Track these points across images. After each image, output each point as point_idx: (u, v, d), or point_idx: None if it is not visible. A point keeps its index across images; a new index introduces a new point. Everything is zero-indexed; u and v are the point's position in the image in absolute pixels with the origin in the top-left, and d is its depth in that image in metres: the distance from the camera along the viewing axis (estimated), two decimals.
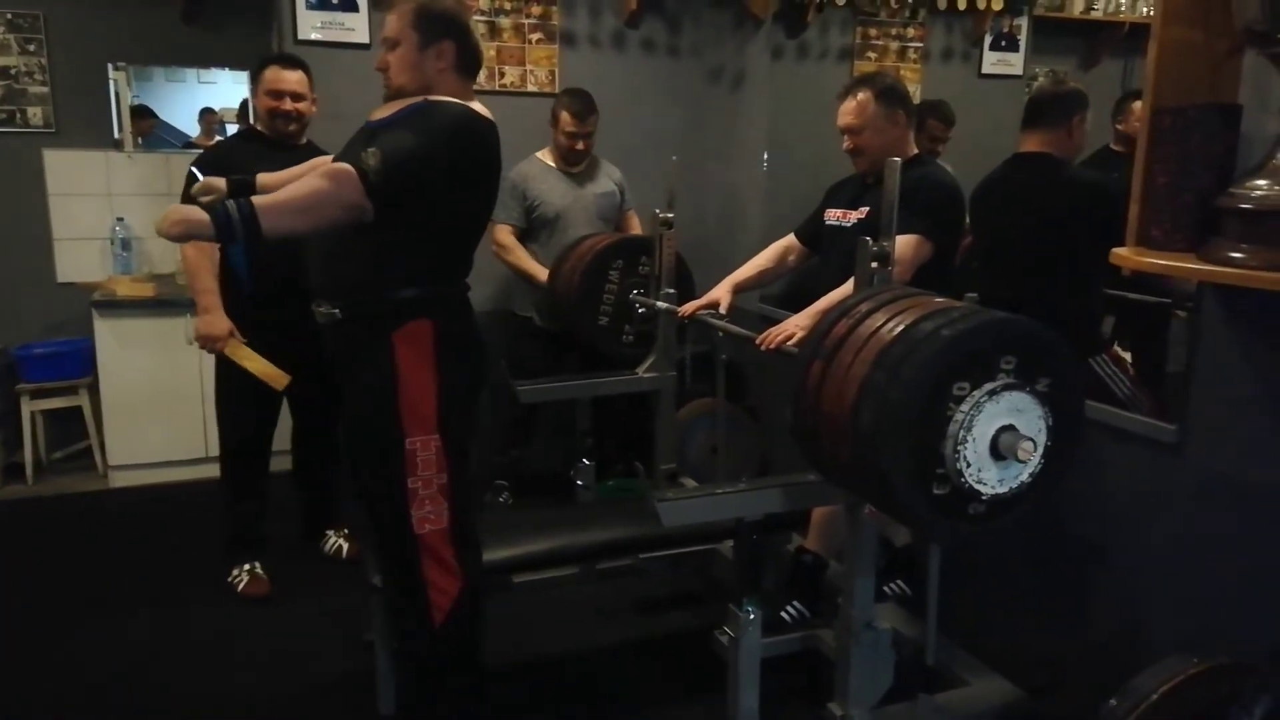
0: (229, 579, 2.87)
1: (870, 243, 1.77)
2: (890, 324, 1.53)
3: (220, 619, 2.72)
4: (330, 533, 3.15)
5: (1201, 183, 1.66)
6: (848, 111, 2.34)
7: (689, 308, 2.52)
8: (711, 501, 1.81)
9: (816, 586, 2.32)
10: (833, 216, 2.48)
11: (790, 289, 3.23)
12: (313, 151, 2.66)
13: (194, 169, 2.52)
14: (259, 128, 2.80)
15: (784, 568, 2.38)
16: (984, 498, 1.49)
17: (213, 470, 3.06)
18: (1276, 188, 1.51)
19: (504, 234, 3.30)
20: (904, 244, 2.08)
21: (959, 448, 1.44)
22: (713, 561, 2.65)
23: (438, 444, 1.90)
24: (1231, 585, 1.85)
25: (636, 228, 3.46)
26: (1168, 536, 1.99)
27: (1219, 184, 1.65)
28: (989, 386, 1.44)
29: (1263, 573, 1.79)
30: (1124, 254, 1.71)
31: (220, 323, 2.70)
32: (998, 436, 1.45)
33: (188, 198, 2.20)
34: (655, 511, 1.75)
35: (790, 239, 2.64)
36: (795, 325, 2.05)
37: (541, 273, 3.25)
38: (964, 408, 1.44)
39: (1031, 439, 1.45)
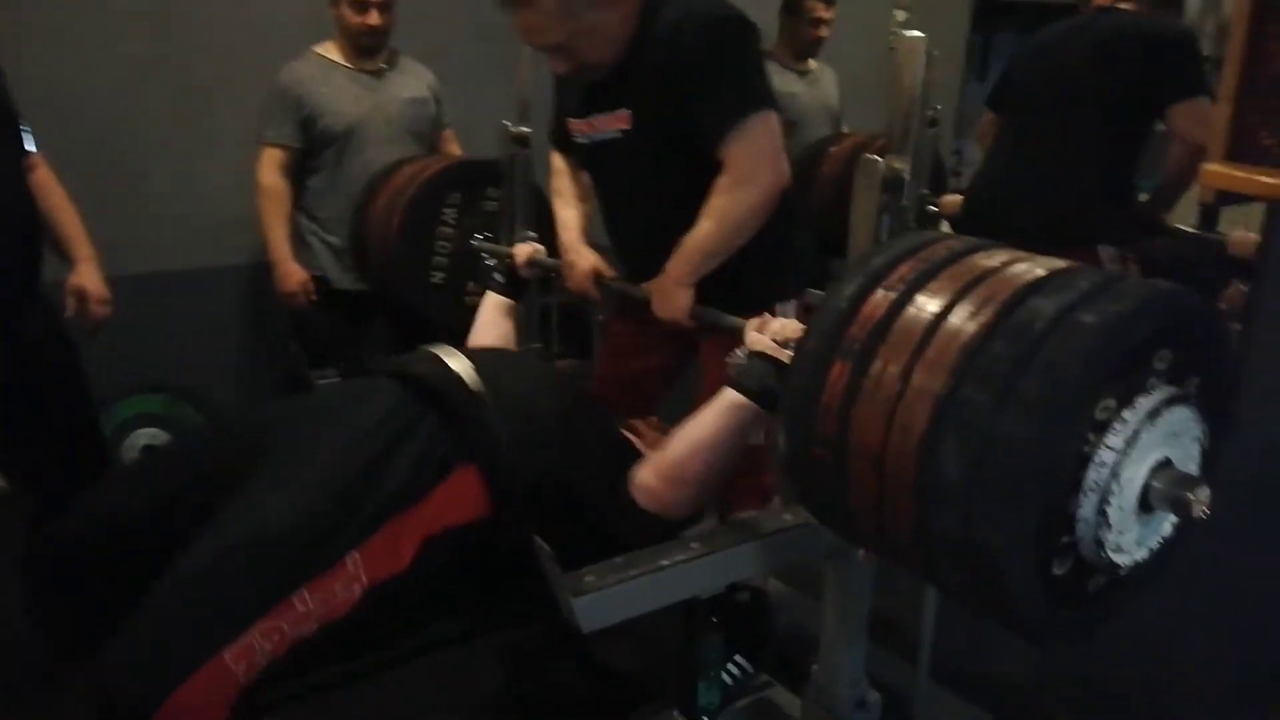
0: None
1: (878, 162, 1.17)
2: (969, 304, 0.93)
3: None
4: None
5: None
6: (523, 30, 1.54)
7: (583, 275, 1.79)
8: (652, 581, 1.17)
9: (758, 630, 1.77)
10: (579, 129, 1.73)
11: None
12: None
13: None
14: None
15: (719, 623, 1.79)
16: (1120, 570, 0.95)
17: None
18: None
19: (269, 162, 2.45)
20: None
21: (1105, 504, 0.88)
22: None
23: None
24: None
25: (456, 153, 2.69)
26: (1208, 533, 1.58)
27: None
28: (1146, 404, 0.89)
29: None
30: (1220, 171, 1.21)
31: None
32: (1151, 480, 0.91)
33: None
34: (571, 613, 1.10)
35: (561, 161, 1.90)
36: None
37: (283, 250, 2.48)
38: (1112, 441, 0.88)
39: (1202, 481, 0.92)
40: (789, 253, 1.64)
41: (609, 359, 1.98)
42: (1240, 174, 1.20)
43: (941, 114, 2.88)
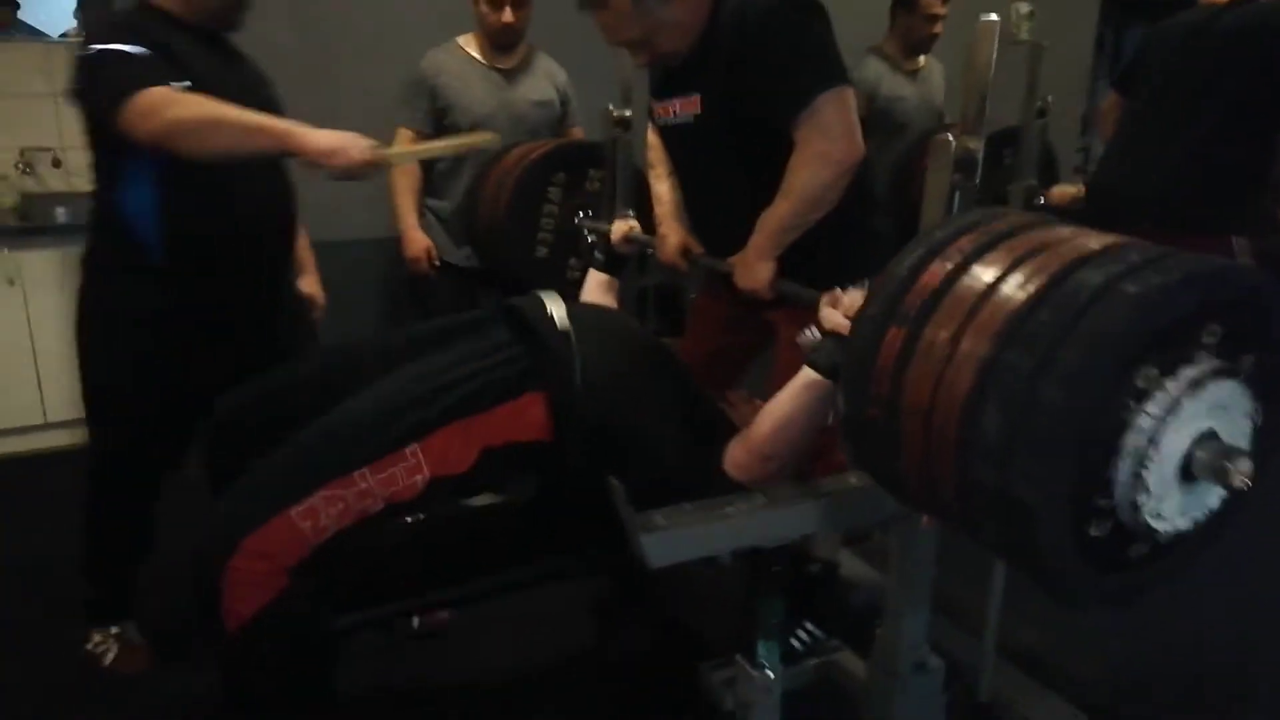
0: (89, 646, 2.01)
1: (950, 140, 1.22)
2: (1020, 274, 0.98)
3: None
4: None
5: None
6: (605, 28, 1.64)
7: (673, 249, 1.89)
8: (717, 528, 1.26)
9: (829, 600, 1.83)
10: (659, 112, 1.80)
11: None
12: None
13: (111, 47, 1.61)
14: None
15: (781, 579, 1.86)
16: (1159, 537, 0.98)
17: (55, 440, 2.32)
18: None
19: (402, 141, 2.62)
20: None
21: (1141, 469, 0.92)
22: None
23: None
24: None
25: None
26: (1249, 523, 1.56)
27: None
28: (1190, 374, 0.92)
29: None
30: None
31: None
32: (1193, 450, 0.94)
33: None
34: (639, 548, 1.20)
35: (655, 138, 1.96)
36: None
37: (409, 219, 2.67)
38: (1152, 409, 0.91)
39: (1246, 453, 0.94)
40: (866, 233, 1.69)
41: (693, 334, 2.07)
42: None
43: (1066, 108, 2.82)
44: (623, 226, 2.01)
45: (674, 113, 1.72)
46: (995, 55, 1.17)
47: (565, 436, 1.42)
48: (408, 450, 1.32)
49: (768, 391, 1.70)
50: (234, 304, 1.83)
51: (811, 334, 1.41)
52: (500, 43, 2.61)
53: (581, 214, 2.34)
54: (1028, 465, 0.91)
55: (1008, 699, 1.74)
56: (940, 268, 1.05)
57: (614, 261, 2.01)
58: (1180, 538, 1.00)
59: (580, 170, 2.35)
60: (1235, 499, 1.01)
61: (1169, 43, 2.32)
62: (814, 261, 1.60)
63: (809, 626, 1.78)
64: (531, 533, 1.66)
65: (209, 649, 1.45)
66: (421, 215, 2.76)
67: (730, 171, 1.70)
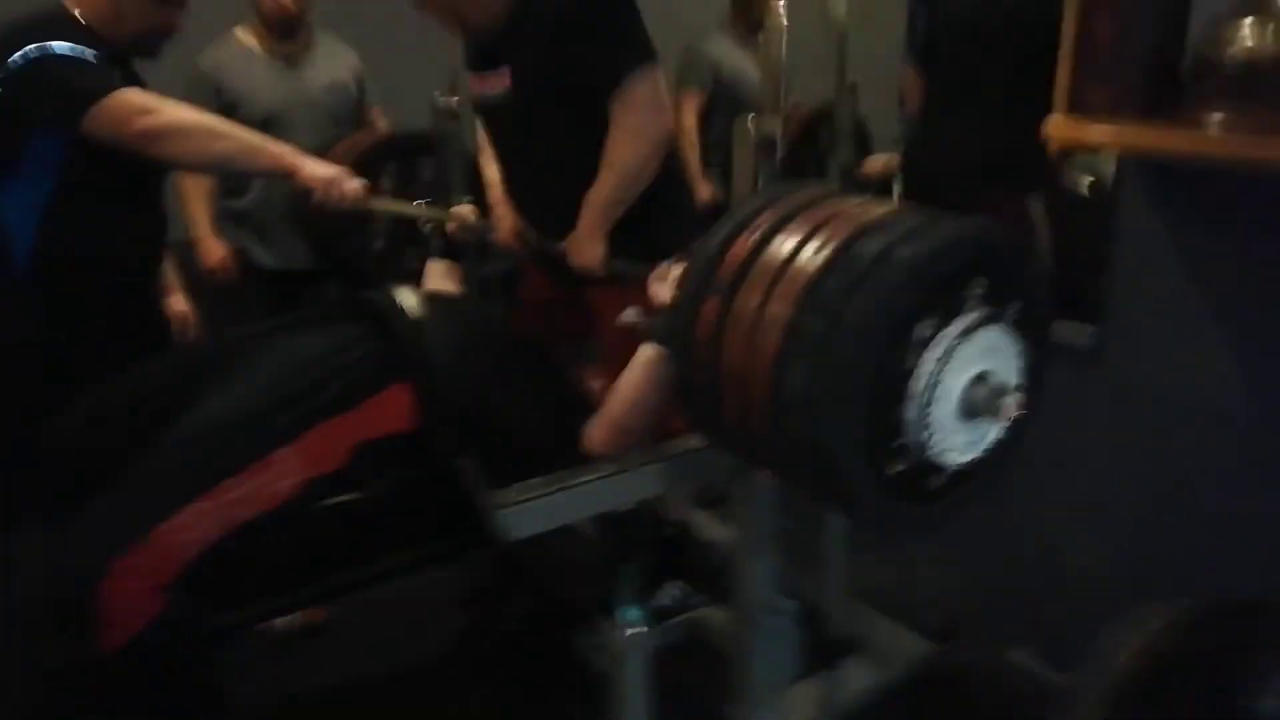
0: None
1: (749, 122, 1.31)
2: (814, 244, 1.08)
3: None
4: None
5: (1154, 34, 1.31)
6: None
7: (508, 231, 1.92)
8: (570, 497, 1.33)
9: (690, 560, 1.93)
10: (474, 85, 1.81)
11: None
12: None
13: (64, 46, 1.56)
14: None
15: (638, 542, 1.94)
16: (950, 470, 1.11)
17: None
18: (1267, 32, 1.18)
19: None
20: None
21: (926, 410, 1.04)
22: None
23: None
24: (1157, 512, 1.64)
25: (384, 128, 2.66)
26: (1081, 455, 1.75)
27: (1172, 35, 1.31)
28: (961, 324, 1.04)
29: (1189, 494, 1.57)
30: (1061, 125, 1.35)
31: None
32: (970, 389, 1.07)
33: None
34: (498, 524, 1.25)
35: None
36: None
37: (204, 227, 2.49)
38: (931, 355, 1.03)
39: (1015, 387, 1.07)
40: (679, 209, 1.77)
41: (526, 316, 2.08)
42: (1088, 130, 1.34)
43: (886, 84, 2.94)
44: (463, 210, 2.03)
45: (488, 88, 1.74)
46: (786, 41, 1.26)
47: (431, 424, 1.45)
48: (276, 455, 1.32)
49: (597, 368, 1.78)
50: (93, 332, 1.74)
51: (635, 313, 1.48)
52: (281, 30, 2.45)
53: (416, 203, 2.34)
54: (827, 415, 1.01)
55: (855, 633, 1.89)
56: (746, 240, 1.14)
57: (453, 248, 2.03)
58: (971, 466, 1.13)
59: (411, 159, 2.34)
60: (1017, 425, 1.14)
61: (958, 13, 2.48)
62: (639, 237, 1.67)
63: (679, 585, 1.87)
64: (399, 521, 1.68)
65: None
66: (221, 218, 2.57)
67: (541, 146, 1.73)
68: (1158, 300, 1.54)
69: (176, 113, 1.58)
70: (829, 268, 1.04)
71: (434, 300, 1.64)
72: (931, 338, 1.03)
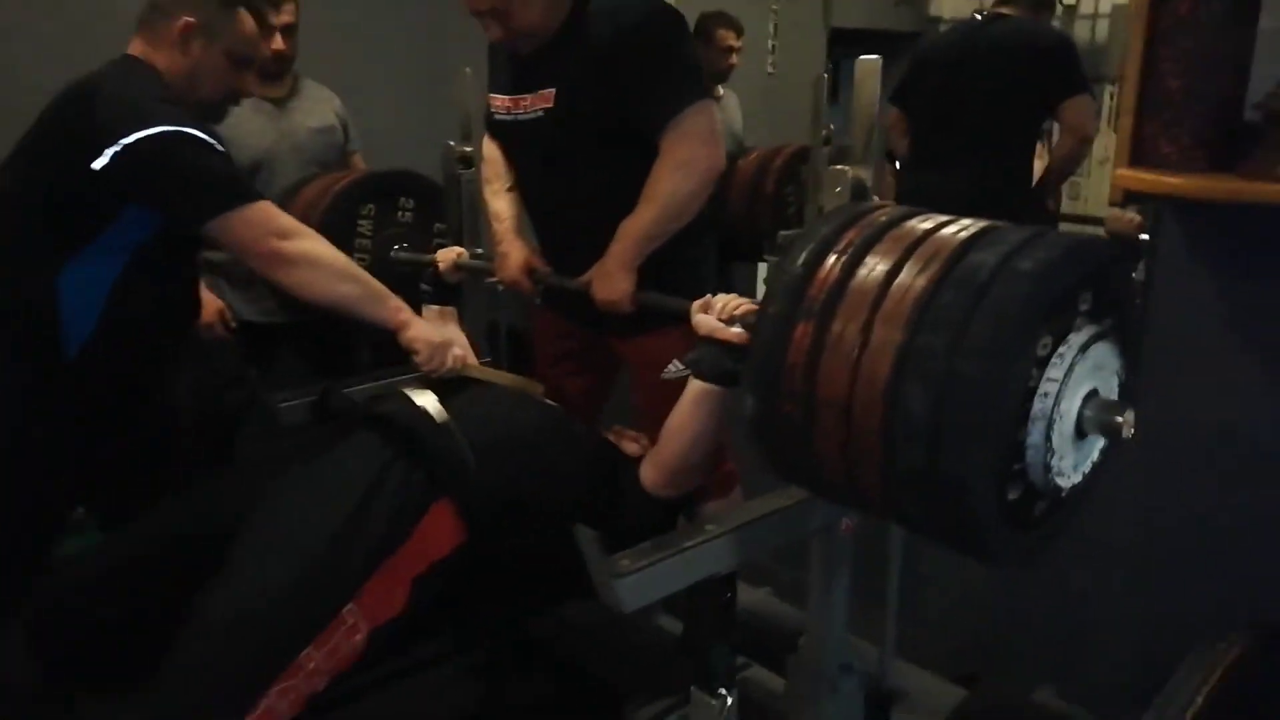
0: None
1: (846, 172, 1.25)
2: (915, 261, 1.02)
3: None
4: None
5: (1222, 86, 1.34)
6: None
7: (515, 268, 1.79)
8: (682, 561, 1.21)
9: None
10: (503, 106, 1.73)
11: None
12: None
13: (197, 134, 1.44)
14: None
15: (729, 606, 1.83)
16: (1062, 493, 1.06)
17: None
18: None
19: None
20: None
21: (1050, 431, 0.99)
22: None
23: None
24: (1187, 553, 1.63)
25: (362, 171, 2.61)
26: (1110, 494, 1.74)
27: (1237, 86, 1.35)
28: (1076, 340, 1.00)
29: (1220, 535, 1.58)
30: (1131, 176, 1.36)
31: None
32: (1083, 408, 1.02)
33: None
34: (612, 594, 1.13)
35: (493, 149, 1.88)
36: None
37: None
38: (1053, 374, 0.98)
39: (1126, 405, 1.04)
40: (707, 251, 1.72)
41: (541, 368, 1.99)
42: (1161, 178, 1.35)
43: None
44: (449, 254, 1.92)
45: (524, 107, 1.65)
46: (879, 91, 1.23)
47: (478, 530, 1.38)
48: (345, 613, 1.23)
49: (635, 423, 1.68)
50: (121, 415, 1.62)
51: (675, 368, 1.43)
52: (269, 71, 2.39)
53: (397, 247, 2.22)
54: (956, 442, 0.95)
55: (902, 686, 1.81)
56: (836, 261, 1.07)
57: (444, 291, 1.91)
58: (1074, 490, 1.08)
59: (390, 200, 2.23)
60: (1111, 449, 1.11)
61: (939, 59, 2.58)
62: (668, 276, 1.60)
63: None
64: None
65: None
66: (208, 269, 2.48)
67: (579, 173, 1.65)
68: (1192, 342, 1.56)
69: (313, 244, 1.50)
70: (940, 284, 0.99)
71: (453, 393, 1.53)
72: (1050, 355, 0.99)
